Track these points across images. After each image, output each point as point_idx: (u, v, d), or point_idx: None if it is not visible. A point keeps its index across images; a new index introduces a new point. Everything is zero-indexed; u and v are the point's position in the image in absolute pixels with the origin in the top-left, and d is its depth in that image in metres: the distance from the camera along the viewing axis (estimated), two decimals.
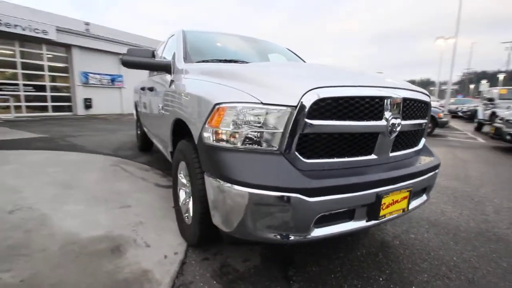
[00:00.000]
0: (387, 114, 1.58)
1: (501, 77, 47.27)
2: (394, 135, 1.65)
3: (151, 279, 1.64)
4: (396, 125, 1.62)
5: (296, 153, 1.41)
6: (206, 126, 1.52)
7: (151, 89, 3.20)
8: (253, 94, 1.42)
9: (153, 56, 2.50)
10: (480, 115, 10.74)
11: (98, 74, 14.87)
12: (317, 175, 1.41)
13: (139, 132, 5.12)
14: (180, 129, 2.14)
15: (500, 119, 6.97)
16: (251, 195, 1.31)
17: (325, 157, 1.50)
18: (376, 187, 1.49)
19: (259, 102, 1.39)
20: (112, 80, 15.62)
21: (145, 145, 4.93)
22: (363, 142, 1.58)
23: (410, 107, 1.75)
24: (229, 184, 1.36)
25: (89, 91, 14.52)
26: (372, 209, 1.52)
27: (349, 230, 1.50)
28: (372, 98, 1.52)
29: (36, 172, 3.58)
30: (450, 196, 3.33)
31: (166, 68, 2.51)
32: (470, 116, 15.87)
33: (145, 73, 3.96)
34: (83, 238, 2.05)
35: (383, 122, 1.57)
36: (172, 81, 2.27)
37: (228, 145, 1.45)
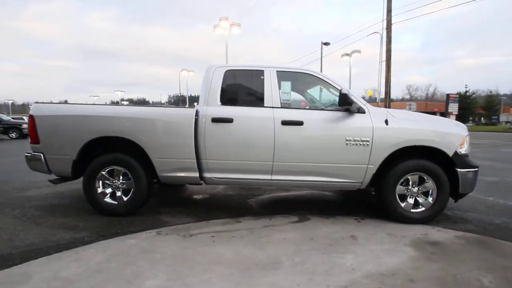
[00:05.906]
0: None
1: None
2: None
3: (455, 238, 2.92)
4: None
5: None
6: (460, 146, 3.16)
7: (297, 123, 3.23)
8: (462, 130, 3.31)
9: None
10: None
11: None
12: None
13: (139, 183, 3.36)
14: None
15: None
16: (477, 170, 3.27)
17: None
18: None
19: (467, 133, 3.32)
20: None
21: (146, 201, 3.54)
22: None
23: None
24: (472, 168, 3.21)
25: None
26: None
27: None
28: None
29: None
30: None
31: (352, 105, 3.18)
32: None
33: None
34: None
35: None
36: (387, 120, 3.13)
37: (466, 153, 3.25)
